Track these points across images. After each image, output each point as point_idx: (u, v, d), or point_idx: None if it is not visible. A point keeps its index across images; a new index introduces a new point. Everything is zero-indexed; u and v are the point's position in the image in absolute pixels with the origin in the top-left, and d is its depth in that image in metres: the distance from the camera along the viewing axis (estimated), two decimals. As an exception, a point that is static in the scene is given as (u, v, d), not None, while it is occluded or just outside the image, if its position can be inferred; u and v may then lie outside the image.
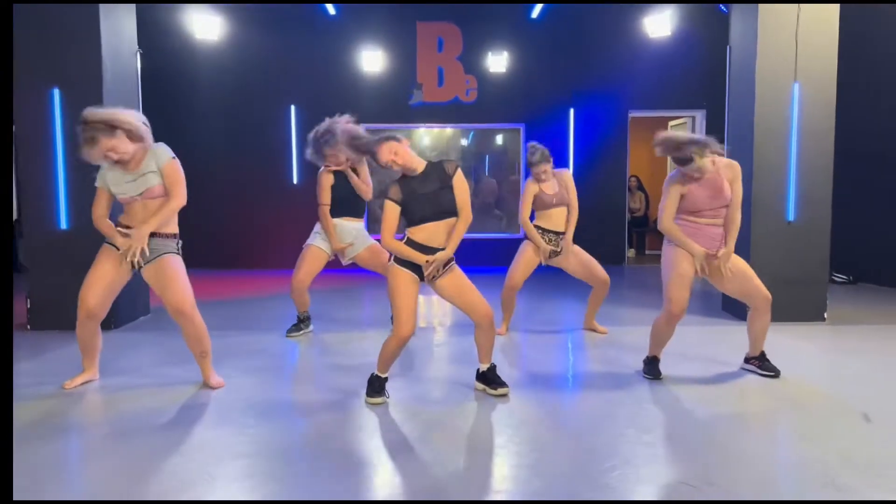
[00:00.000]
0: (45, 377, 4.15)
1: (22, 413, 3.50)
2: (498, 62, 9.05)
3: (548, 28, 9.50)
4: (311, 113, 8.72)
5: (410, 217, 3.60)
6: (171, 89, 9.21)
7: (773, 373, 4.07)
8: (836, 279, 7.76)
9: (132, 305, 5.83)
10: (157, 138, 3.86)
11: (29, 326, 5.53)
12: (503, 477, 2.79)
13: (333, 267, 5.95)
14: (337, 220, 5.24)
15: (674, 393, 3.83)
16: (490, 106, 9.60)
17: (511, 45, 9.42)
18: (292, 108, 9.47)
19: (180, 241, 3.92)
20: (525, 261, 5.20)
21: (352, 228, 5.28)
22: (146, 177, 3.73)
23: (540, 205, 5.17)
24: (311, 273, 5.21)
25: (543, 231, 5.17)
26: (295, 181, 9.51)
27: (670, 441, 3.14)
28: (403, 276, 3.60)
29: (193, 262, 9.95)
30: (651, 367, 4.13)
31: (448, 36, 9.56)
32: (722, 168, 3.93)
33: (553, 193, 5.13)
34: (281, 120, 9.52)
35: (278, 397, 3.81)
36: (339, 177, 5.24)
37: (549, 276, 8.30)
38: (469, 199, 3.67)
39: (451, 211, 3.61)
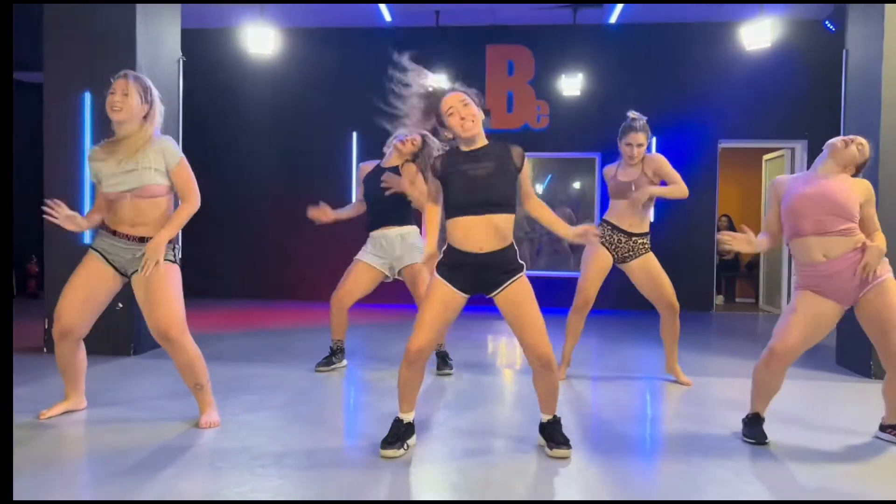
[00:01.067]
0: (36, 402, 3.59)
1: None
2: (572, 85, 8.32)
3: (626, 43, 8.72)
4: (371, 138, 8.21)
5: (447, 202, 2.91)
6: (218, 103, 8.90)
7: None
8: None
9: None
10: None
11: (45, 349, 5.08)
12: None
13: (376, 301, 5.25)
14: (375, 232, 4.53)
15: (782, 462, 2.91)
16: (563, 133, 8.86)
17: (586, 64, 8.66)
18: (354, 134, 9.00)
19: (178, 247, 3.34)
20: (597, 265, 4.30)
21: (394, 235, 4.52)
22: (147, 172, 3.17)
23: (612, 191, 4.36)
24: (354, 292, 4.53)
25: (612, 227, 4.32)
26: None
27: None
28: (441, 289, 2.87)
29: (238, 292, 9.70)
30: (753, 429, 3.20)
31: (519, 59, 8.94)
32: (854, 183, 3.08)
33: (630, 181, 4.28)
34: (341, 146, 9.05)
35: (279, 445, 3.09)
36: (380, 173, 4.48)
37: (620, 319, 7.37)
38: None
39: (499, 204, 2.85)
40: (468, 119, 2.87)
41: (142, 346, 5.13)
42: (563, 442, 2.96)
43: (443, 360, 4.65)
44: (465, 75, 8.62)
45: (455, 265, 2.88)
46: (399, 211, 4.53)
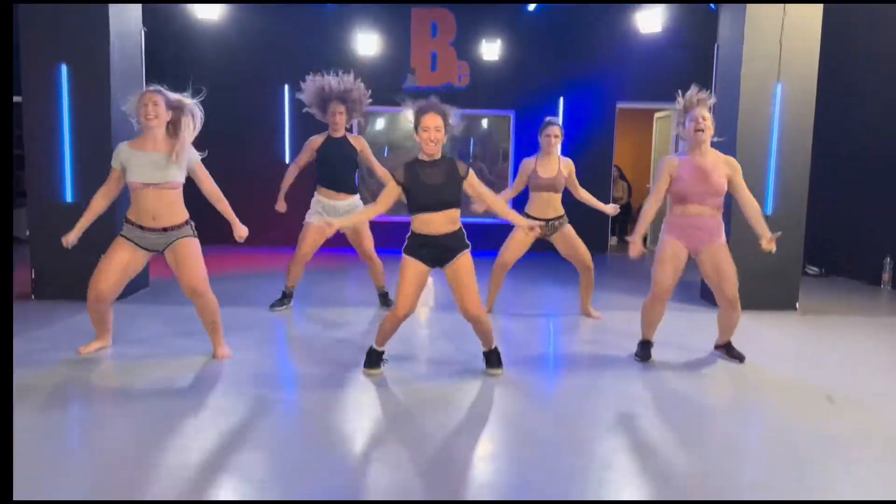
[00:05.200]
0: (59, 343, 4.34)
1: (42, 379, 3.69)
2: (491, 50, 9.23)
3: (541, 19, 9.70)
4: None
5: (412, 203, 3.79)
6: (174, 69, 9.22)
7: (739, 359, 4.36)
8: (809, 272, 8.10)
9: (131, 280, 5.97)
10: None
11: (33, 296, 5.67)
12: (490, 440, 3.05)
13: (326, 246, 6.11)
14: (323, 197, 5.37)
15: (658, 371, 4.12)
16: (482, 92, 9.79)
17: (504, 33, 9.59)
18: (286, 88, 9.58)
19: (192, 223, 4.10)
20: (517, 241, 5.33)
21: (343, 207, 5.38)
22: (177, 169, 3.91)
23: (532, 185, 5.34)
24: (311, 251, 5.42)
25: (534, 220, 5.34)
26: (287, 160, 9.64)
27: (654, 409, 3.44)
28: (412, 264, 3.80)
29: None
30: (643, 351, 4.40)
31: (442, 22, 9.71)
32: (720, 162, 4.17)
33: (548, 177, 5.29)
34: (274, 100, 9.64)
35: (282, 370, 4.05)
36: (332, 144, 5.38)
37: (535, 262, 8.55)
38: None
39: (450, 203, 3.76)
40: (436, 143, 3.72)
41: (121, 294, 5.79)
42: (498, 364, 4.04)
43: (384, 299, 5.70)
44: (391, 35, 9.44)
45: (419, 245, 3.80)
46: (348, 180, 5.46)
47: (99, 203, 4.03)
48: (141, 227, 3.94)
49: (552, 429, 3.22)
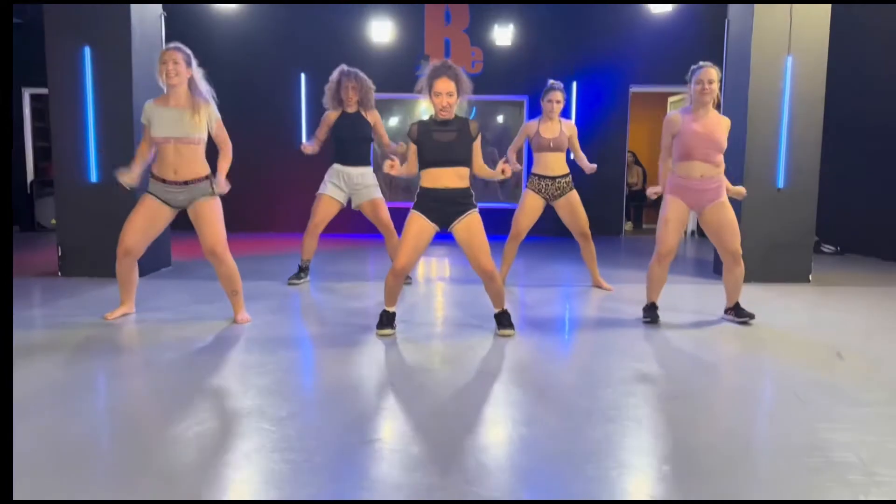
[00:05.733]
0: (85, 311, 4.49)
1: (67, 337, 3.85)
2: (503, 35, 9.32)
3: (553, 2, 9.75)
4: (320, 81, 8.95)
5: (422, 159, 3.90)
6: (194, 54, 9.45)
7: (749, 317, 4.42)
8: (825, 250, 8.10)
9: (155, 258, 6.14)
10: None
11: (60, 273, 5.85)
12: (503, 399, 3.14)
13: (340, 231, 6.24)
14: (339, 167, 5.53)
15: (663, 333, 4.19)
16: (495, 78, 9.86)
17: (516, 18, 9.68)
18: (302, 75, 9.73)
19: (212, 177, 4.18)
20: (529, 207, 5.45)
21: (356, 174, 5.53)
22: (193, 124, 4.03)
23: (535, 146, 5.46)
24: (324, 221, 5.55)
25: (539, 177, 5.44)
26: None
27: (660, 365, 3.51)
28: (417, 220, 3.92)
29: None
30: (650, 312, 4.47)
31: (455, 9, 9.81)
32: (721, 120, 4.29)
33: (551, 137, 5.40)
34: (291, 86, 9.79)
35: (299, 331, 4.18)
36: (345, 119, 5.53)
37: (548, 245, 8.62)
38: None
39: (459, 161, 3.87)
40: (447, 108, 3.83)
41: (144, 271, 5.94)
42: (510, 325, 4.12)
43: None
44: (405, 23, 9.55)
45: (427, 201, 3.92)
46: (361, 152, 5.59)
47: (144, 151, 4.18)
48: (164, 182, 4.07)
49: (562, 376, 3.30)
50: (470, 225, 3.92)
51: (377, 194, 5.58)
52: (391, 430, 2.64)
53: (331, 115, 5.60)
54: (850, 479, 2.23)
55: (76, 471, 2.23)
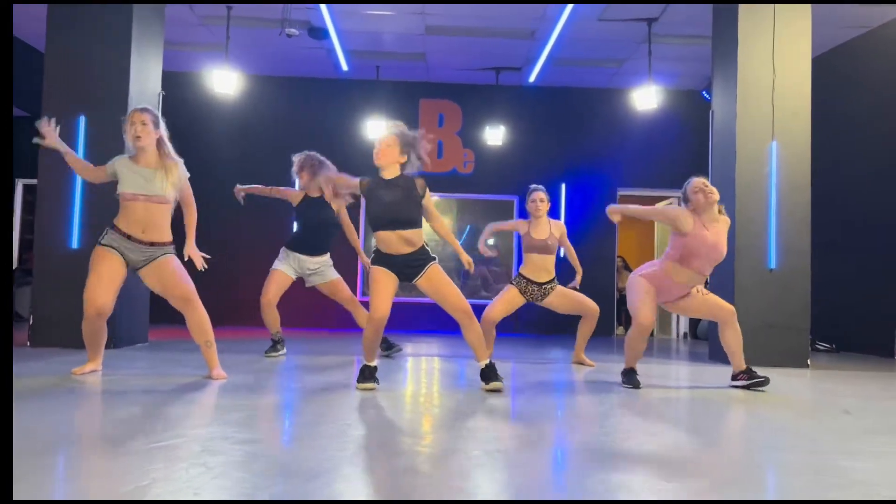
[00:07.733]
0: (52, 369, 4.24)
1: (35, 385, 3.59)
2: (494, 135, 9.57)
3: (541, 102, 10.09)
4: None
5: (368, 217, 3.88)
6: (188, 138, 9.51)
7: (763, 381, 4.24)
8: (820, 347, 7.93)
9: (132, 331, 5.91)
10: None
11: (29, 343, 5.60)
12: (484, 429, 2.90)
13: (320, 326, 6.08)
14: (297, 254, 5.43)
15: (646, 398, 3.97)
16: (486, 177, 10.05)
17: (507, 119, 9.95)
18: (296, 181, 9.84)
19: (173, 245, 4.11)
20: (507, 299, 5.34)
21: (311, 264, 5.44)
22: (165, 184, 3.98)
23: (526, 247, 5.42)
24: (278, 294, 5.42)
25: (526, 280, 5.35)
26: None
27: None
28: (380, 272, 3.84)
29: (220, 320, 9.89)
30: (629, 377, 4.30)
31: (448, 113, 10.15)
32: (726, 227, 4.33)
33: (541, 238, 5.36)
34: (288, 179, 9.88)
35: (279, 385, 3.93)
36: (311, 204, 5.48)
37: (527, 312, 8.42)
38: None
39: (405, 222, 3.78)
40: (379, 157, 3.84)
41: (120, 342, 5.70)
42: (497, 378, 3.88)
43: (384, 344, 5.63)
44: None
45: (384, 259, 3.85)
46: (322, 243, 5.51)
47: (89, 168, 4.15)
48: (129, 238, 3.95)
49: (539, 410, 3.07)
50: (431, 277, 3.86)
51: (334, 275, 5.50)
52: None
53: (293, 196, 5.61)
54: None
55: None
